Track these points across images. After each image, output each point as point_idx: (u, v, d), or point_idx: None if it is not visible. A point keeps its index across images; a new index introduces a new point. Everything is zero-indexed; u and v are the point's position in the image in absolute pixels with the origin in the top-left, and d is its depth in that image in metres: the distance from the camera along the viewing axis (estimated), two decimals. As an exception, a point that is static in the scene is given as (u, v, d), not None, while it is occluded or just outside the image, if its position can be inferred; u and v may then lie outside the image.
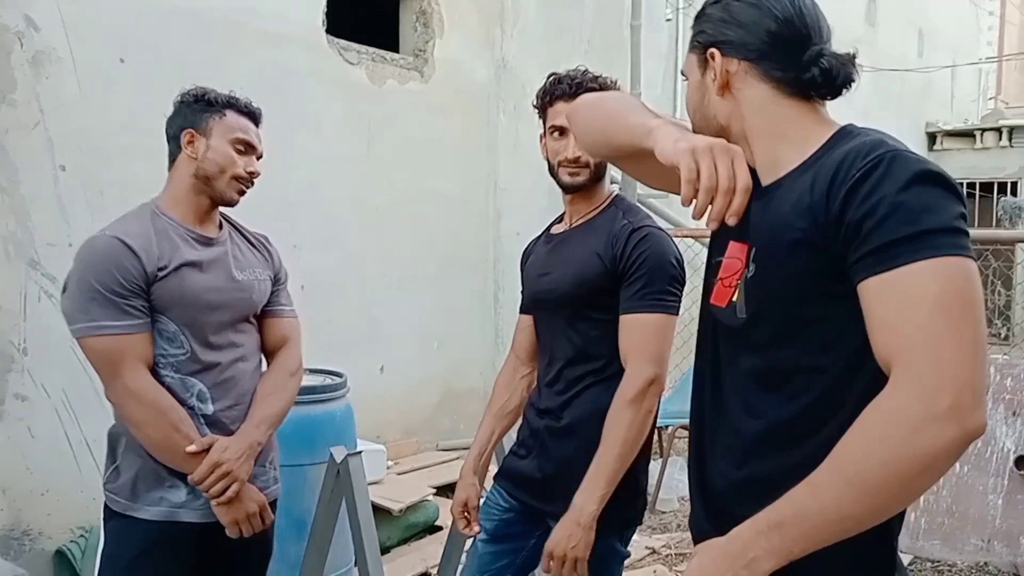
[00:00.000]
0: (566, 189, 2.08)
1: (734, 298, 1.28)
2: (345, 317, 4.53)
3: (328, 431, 3.17)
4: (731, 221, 1.16)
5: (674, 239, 2.09)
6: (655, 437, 5.60)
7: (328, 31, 4.43)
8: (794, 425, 1.18)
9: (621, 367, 1.95)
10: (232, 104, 2.03)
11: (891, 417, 1.02)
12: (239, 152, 2.00)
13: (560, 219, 2.20)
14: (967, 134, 12.66)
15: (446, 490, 4.50)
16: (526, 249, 2.32)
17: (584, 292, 1.98)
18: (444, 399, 5.18)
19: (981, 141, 12.43)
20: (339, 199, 4.47)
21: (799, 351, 1.19)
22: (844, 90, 1.26)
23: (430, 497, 4.23)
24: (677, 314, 1.97)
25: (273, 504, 2.13)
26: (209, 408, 1.95)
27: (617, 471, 1.88)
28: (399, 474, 4.48)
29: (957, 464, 4.31)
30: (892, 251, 1.05)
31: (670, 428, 5.06)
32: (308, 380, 3.30)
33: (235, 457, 1.90)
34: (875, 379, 1.08)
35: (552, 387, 2.07)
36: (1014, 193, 11.94)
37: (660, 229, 2.01)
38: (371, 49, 4.68)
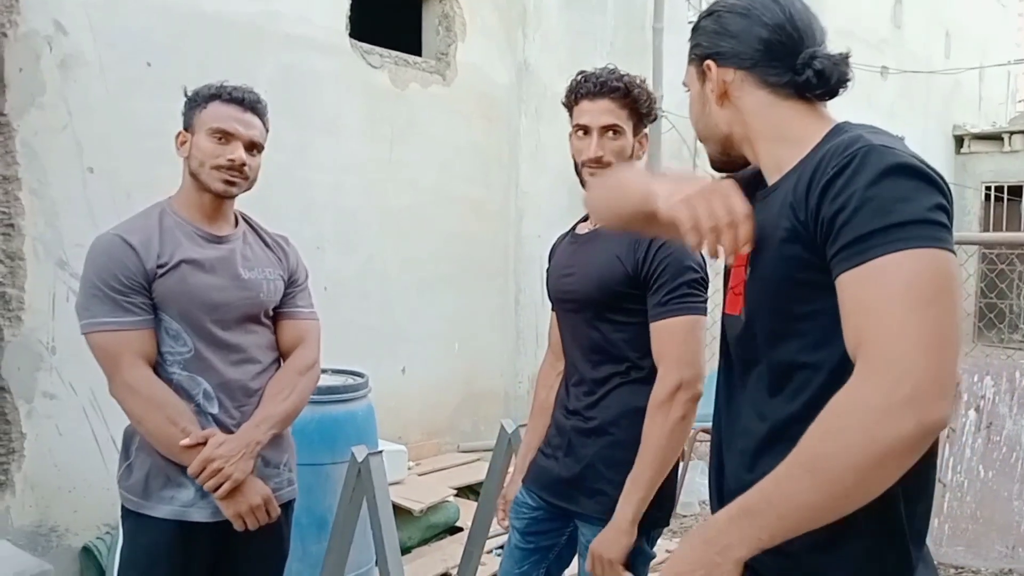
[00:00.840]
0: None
1: (742, 304, 1.30)
2: (367, 318, 4.57)
3: (350, 430, 3.20)
4: (745, 249, 1.19)
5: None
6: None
7: (351, 34, 4.47)
8: (796, 423, 1.17)
9: (650, 370, 1.95)
10: (216, 95, 2.02)
11: (850, 406, 1.02)
12: (218, 141, 1.98)
13: (586, 218, 2.19)
14: (995, 137, 12.54)
15: (467, 491, 4.52)
16: (553, 245, 2.32)
17: (605, 295, 1.98)
18: (465, 401, 5.21)
19: (1009, 144, 12.31)
20: (362, 202, 4.51)
21: (795, 348, 1.20)
22: (840, 90, 1.28)
23: (451, 498, 4.25)
24: (705, 314, 1.96)
25: (289, 504, 2.14)
26: (214, 408, 1.96)
27: (653, 476, 1.89)
28: (420, 475, 4.50)
29: (981, 469, 4.27)
30: (863, 244, 1.06)
31: (691, 431, 5.05)
32: (330, 380, 3.33)
33: (228, 455, 1.89)
34: None
35: (579, 387, 2.08)
36: (1042, 196, 11.81)
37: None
38: (394, 52, 4.71)
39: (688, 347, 1.90)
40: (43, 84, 3.27)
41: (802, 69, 1.26)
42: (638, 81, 2.04)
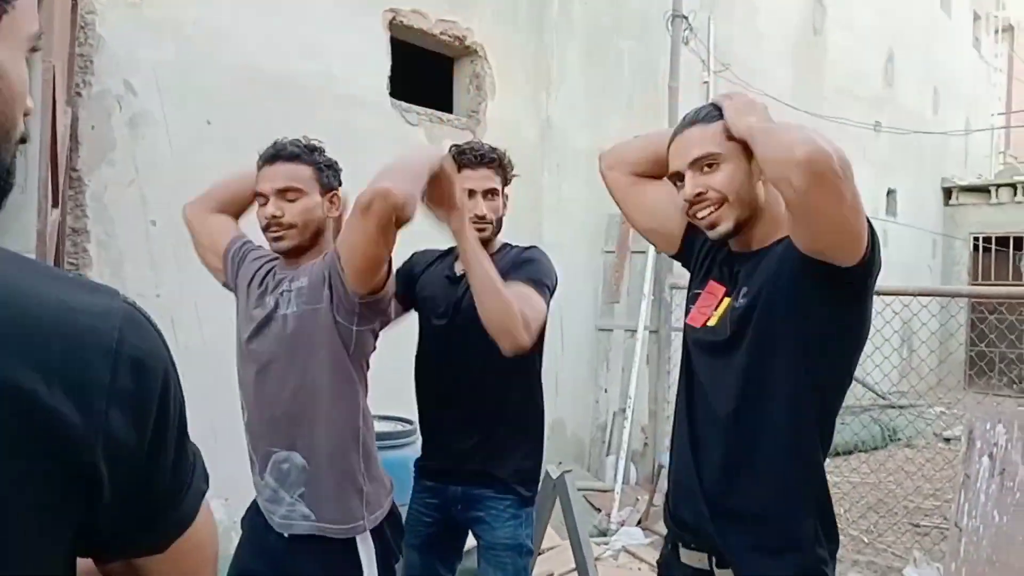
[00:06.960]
0: None
1: (710, 322, 1.72)
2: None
3: (403, 475, 3.30)
4: None
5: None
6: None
7: (391, 94, 4.66)
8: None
9: (526, 370, 2.40)
10: (261, 160, 2.06)
11: (791, 136, 1.45)
12: (262, 205, 2.03)
13: (451, 250, 2.49)
14: (982, 189, 12.89)
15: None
16: (419, 262, 2.62)
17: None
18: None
19: (996, 196, 12.66)
20: (403, 251, 4.64)
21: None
22: None
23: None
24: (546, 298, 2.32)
25: (310, 537, 2.05)
26: None
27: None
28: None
29: (996, 514, 4.40)
30: None
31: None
32: (381, 427, 3.45)
33: None
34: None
35: (474, 392, 2.42)
36: (1030, 248, 12.14)
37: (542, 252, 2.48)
38: (429, 110, 4.91)
39: (534, 305, 2.21)
40: (113, 141, 3.43)
41: None
42: (501, 152, 2.39)
